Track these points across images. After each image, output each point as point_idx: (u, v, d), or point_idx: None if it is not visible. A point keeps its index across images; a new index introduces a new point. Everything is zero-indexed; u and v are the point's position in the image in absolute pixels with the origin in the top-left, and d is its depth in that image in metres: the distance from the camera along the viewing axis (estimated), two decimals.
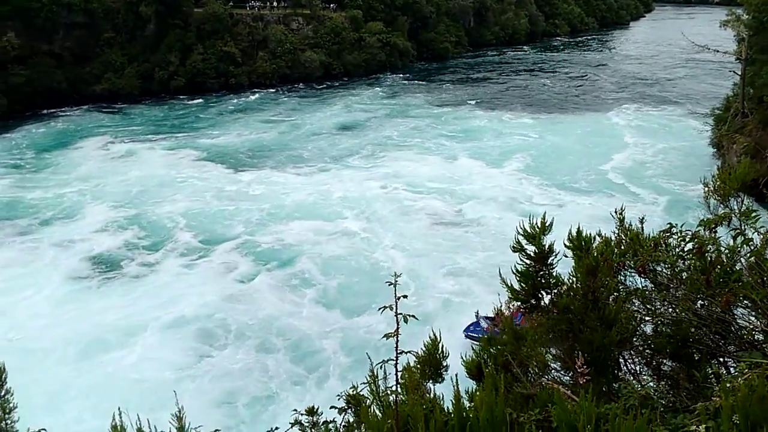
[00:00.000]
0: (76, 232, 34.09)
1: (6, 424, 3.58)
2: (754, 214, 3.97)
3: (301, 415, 4.11)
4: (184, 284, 28.73)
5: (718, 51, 43.28)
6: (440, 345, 4.24)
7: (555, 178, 41.57)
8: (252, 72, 72.55)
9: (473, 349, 4.34)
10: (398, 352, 3.57)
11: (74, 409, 19.66)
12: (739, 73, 41.93)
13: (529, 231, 4.13)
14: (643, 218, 4.36)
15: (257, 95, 68.97)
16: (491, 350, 4.30)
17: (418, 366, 4.16)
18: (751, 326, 3.75)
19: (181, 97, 67.07)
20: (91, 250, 31.94)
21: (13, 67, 59.63)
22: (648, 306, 4.09)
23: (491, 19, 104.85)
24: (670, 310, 4.01)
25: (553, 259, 4.14)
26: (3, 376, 3.55)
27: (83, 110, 61.56)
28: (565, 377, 4.01)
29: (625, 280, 4.17)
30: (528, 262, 4.16)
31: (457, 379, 3.44)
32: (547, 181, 40.97)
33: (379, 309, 3.62)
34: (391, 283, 3.57)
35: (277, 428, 4.11)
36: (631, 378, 3.96)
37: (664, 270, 4.07)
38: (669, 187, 39.26)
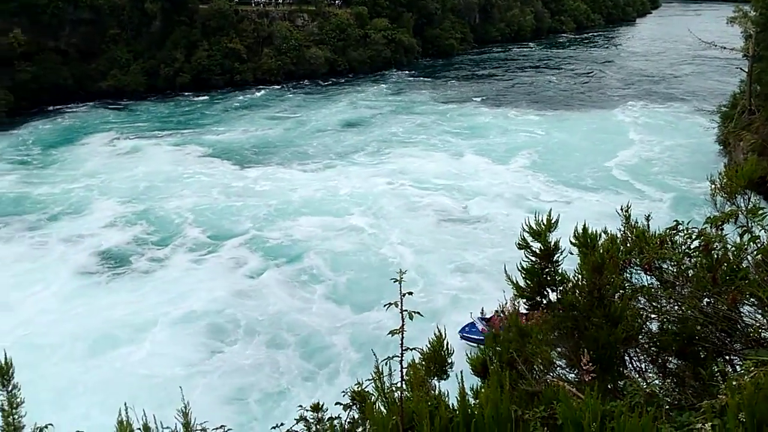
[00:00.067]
0: (84, 227, 34.20)
1: (13, 419, 3.59)
2: (761, 212, 3.96)
3: (306, 411, 4.11)
4: (193, 279, 28.76)
5: (725, 48, 43.03)
6: (445, 342, 4.24)
7: (561, 175, 41.47)
8: (257, 68, 72.58)
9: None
10: (403, 348, 3.57)
11: (82, 405, 19.59)
12: (746, 70, 41.75)
13: (534, 228, 4.12)
14: (649, 215, 4.35)
15: (262, 92, 68.98)
16: (496, 347, 4.29)
17: (423, 363, 4.16)
18: (758, 324, 3.74)
19: (187, 93, 67.17)
20: (100, 245, 32.02)
21: (19, 64, 59.80)
22: (654, 303, 4.09)
23: (496, 15, 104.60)
24: (676, 307, 4.00)
25: (558, 256, 4.14)
26: (10, 372, 3.56)
27: (89, 107, 61.71)
28: (571, 374, 4.01)
29: (631, 277, 4.16)
30: (533, 259, 4.16)
31: (462, 376, 3.45)
32: (554, 178, 40.88)
33: (385, 306, 3.62)
34: (397, 280, 3.57)
35: (282, 424, 4.12)
36: (637, 376, 3.96)
37: (670, 267, 4.06)
38: (675, 185, 39.11)
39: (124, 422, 3.64)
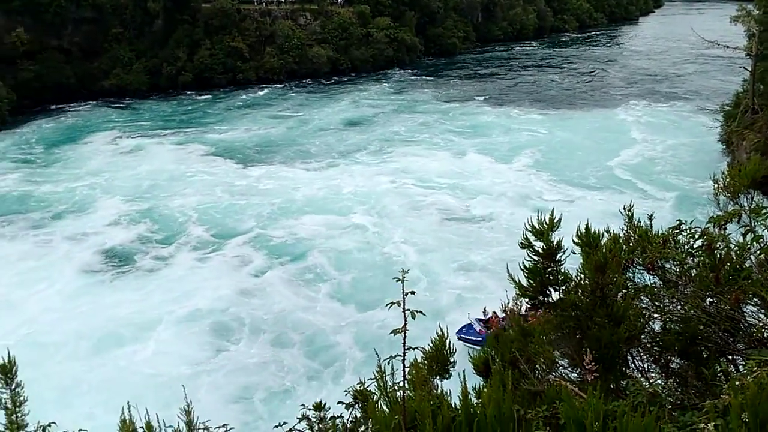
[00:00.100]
0: (88, 225, 34.28)
1: (16, 416, 3.60)
2: (764, 211, 3.95)
3: (309, 410, 4.12)
4: (197, 278, 28.79)
5: (728, 47, 42.94)
6: (448, 341, 4.24)
7: (564, 174, 41.44)
8: (259, 67, 72.64)
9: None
10: (406, 348, 3.57)
11: (85, 404, 19.56)
12: (749, 69, 41.64)
13: (537, 227, 4.12)
14: (651, 215, 4.34)
15: (265, 91, 69.04)
16: (498, 347, 4.29)
17: (426, 362, 4.16)
18: (761, 324, 3.74)
19: (189, 92, 67.31)
20: (104, 243, 32.09)
21: (22, 63, 60.01)
22: (656, 303, 4.08)
23: (499, 14, 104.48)
24: (679, 307, 4.00)
25: (561, 256, 4.13)
26: (14, 370, 3.57)
27: (92, 105, 61.87)
28: (573, 374, 4.00)
29: (634, 277, 4.16)
30: (536, 258, 4.15)
31: (464, 376, 3.45)
32: (557, 177, 40.85)
33: (387, 305, 3.62)
34: (399, 280, 3.57)
35: (285, 423, 4.13)
36: (639, 375, 3.95)
37: (673, 267, 4.05)
38: (678, 184, 39.05)
39: (127, 421, 3.65)
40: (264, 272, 29.29)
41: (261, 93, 68.20)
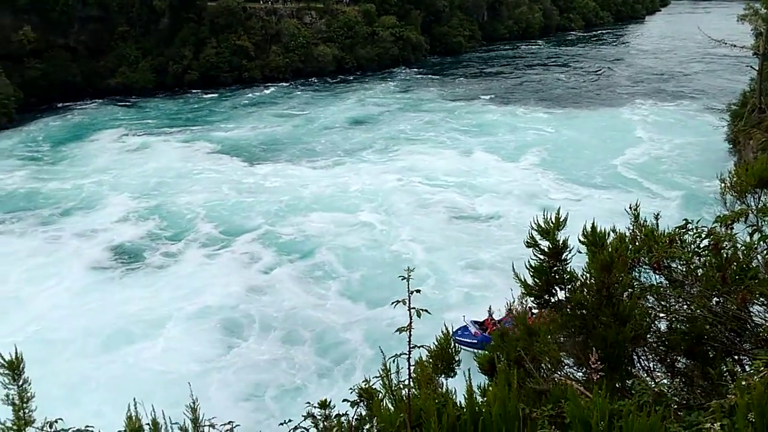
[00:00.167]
0: (97, 222, 34.33)
1: (24, 413, 3.62)
2: None
3: (314, 407, 4.13)
4: (207, 275, 28.72)
5: (735, 46, 42.70)
6: (453, 340, 4.25)
7: (571, 172, 41.34)
8: (265, 66, 72.68)
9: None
10: (411, 346, 3.58)
11: (94, 402, 19.36)
12: (757, 68, 41.42)
13: (543, 226, 4.12)
14: (658, 214, 4.34)
15: (271, 89, 69.06)
16: (504, 345, 4.30)
17: (431, 360, 4.17)
18: (767, 324, 3.73)
19: (195, 90, 67.39)
20: (113, 240, 32.10)
21: (29, 61, 60.19)
22: (662, 303, 4.07)
23: (505, 12, 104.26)
24: (685, 307, 3.99)
25: (567, 255, 4.13)
26: (21, 366, 3.59)
27: (98, 104, 62.03)
28: (578, 373, 4.00)
29: (640, 276, 4.15)
30: (542, 257, 4.15)
31: (470, 374, 3.45)
32: (563, 176, 40.75)
33: (392, 303, 3.63)
34: (404, 278, 3.58)
35: (290, 420, 4.14)
36: (645, 375, 3.95)
37: (679, 266, 4.05)
38: (684, 183, 38.89)
39: (133, 417, 3.67)
40: (273, 269, 29.25)
41: (267, 91, 68.25)
